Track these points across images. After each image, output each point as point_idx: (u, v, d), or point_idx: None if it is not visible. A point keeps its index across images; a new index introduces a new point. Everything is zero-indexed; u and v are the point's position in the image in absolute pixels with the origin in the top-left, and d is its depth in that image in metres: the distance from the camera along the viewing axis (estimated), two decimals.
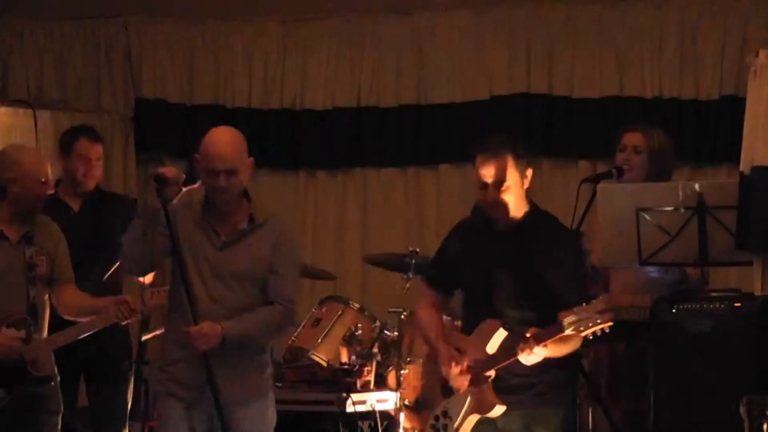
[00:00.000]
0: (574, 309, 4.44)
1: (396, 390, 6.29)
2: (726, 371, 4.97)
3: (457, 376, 4.72)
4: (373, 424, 6.33)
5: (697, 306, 5.09)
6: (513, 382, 4.65)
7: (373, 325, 6.55)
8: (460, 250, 4.89)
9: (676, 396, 5.06)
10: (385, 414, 6.34)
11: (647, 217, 5.22)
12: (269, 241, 4.71)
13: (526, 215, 4.73)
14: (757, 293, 5.19)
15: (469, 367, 4.70)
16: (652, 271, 5.45)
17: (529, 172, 4.71)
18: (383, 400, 6.35)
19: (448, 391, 4.81)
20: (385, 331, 6.54)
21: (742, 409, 4.64)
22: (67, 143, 6.14)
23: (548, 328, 4.50)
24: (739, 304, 5.05)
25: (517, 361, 4.53)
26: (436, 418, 4.81)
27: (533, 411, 4.67)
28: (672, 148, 5.69)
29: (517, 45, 7.54)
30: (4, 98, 7.76)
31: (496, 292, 4.71)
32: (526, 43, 7.53)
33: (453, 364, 4.72)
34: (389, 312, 6.53)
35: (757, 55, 5.30)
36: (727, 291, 5.27)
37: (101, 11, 7.99)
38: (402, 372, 6.31)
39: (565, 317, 4.45)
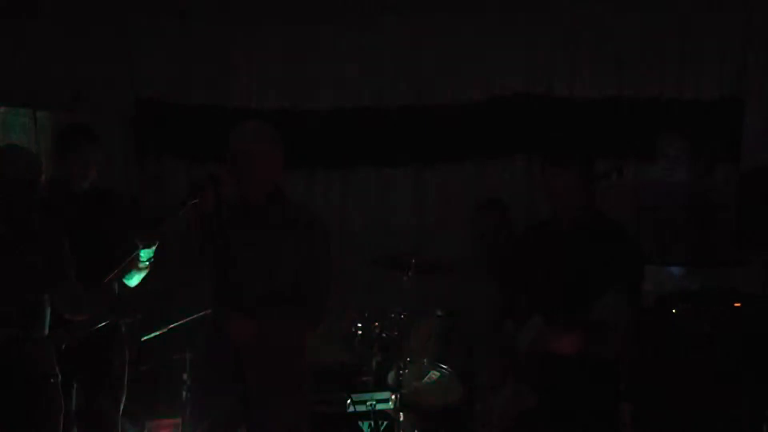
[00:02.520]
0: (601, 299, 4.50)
1: (396, 390, 6.30)
2: (726, 371, 4.98)
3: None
4: (373, 424, 6.33)
5: (697, 306, 5.10)
6: (553, 380, 4.72)
7: (373, 325, 6.55)
8: (526, 250, 5.04)
9: (676, 396, 5.07)
10: (385, 414, 6.34)
11: (647, 217, 5.22)
12: (302, 237, 4.79)
13: (590, 219, 4.80)
14: (757, 293, 5.20)
15: (513, 362, 4.86)
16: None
17: (593, 179, 4.81)
18: (383, 400, 6.36)
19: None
20: (385, 331, 6.55)
21: (742, 410, 4.66)
22: (65, 144, 6.12)
23: (576, 316, 4.55)
24: (739, 304, 5.06)
25: (553, 355, 4.59)
26: (485, 413, 5.10)
27: (573, 409, 4.71)
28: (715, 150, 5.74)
29: (517, 45, 7.54)
30: (4, 98, 7.75)
31: (551, 291, 4.79)
32: (526, 43, 7.53)
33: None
34: (389, 312, 6.53)
35: (757, 55, 5.31)
36: (727, 291, 5.27)
37: (101, 11, 7.97)
38: (402, 372, 6.31)
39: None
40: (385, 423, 6.34)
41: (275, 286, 4.78)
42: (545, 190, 4.83)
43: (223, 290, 4.69)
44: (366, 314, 6.58)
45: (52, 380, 5.21)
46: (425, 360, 6.43)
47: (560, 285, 4.80)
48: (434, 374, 6.45)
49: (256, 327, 4.65)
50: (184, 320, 6.80)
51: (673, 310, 5.12)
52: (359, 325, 6.50)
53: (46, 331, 5.24)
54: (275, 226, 4.79)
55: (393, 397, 6.30)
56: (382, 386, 6.44)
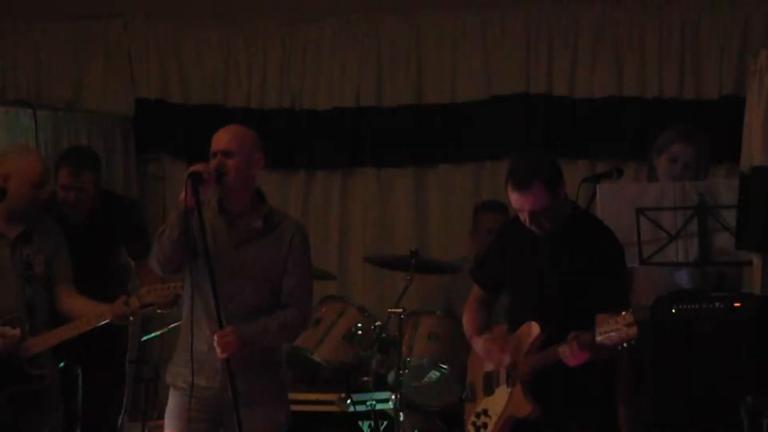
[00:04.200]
0: (608, 318, 4.47)
1: (396, 390, 6.29)
2: (726, 371, 4.97)
3: (495, 356, 4.85)
4: (372, 424, 6.34)
5: (697, 306, 5.09)
6: (550, 381, 4.70)
7: (373, 325, 6.55)
8: (504, 250, 4.98)
9: (676, 396, 5.06)
10: (385, 414, 6.34)
11: (647, 217, 5.22)
12: (284, 242, 4.75)
13: (568, 219, 4.77)
14: (757, 293, 5.19)
15: (507, 368, 4.80)
16: (682, 280, 5.45)
17: (563, 184, 4.75)
18: (383, 400, 6.36)
19: (489, 389, 4.91)
20: (385, 331, 6.54)
21: (742, 409, 4.65)
22: (56, 168, 6.04)
23: (587, 334, 4.53)
24: (739, 304, 5.05)
25: (559, 361, 4.58)
26: (477, 416, 4.94)
27: (569, 410, 4.71)
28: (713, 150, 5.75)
29: (517, 45, 7.53)
30: (4, 98, 7.75)
31: (537, 294, 4.78)
32: (526, 43, 7.53)
33: (491, 347, 4.85)
34: (389, 312, 6.53)
35: (757, 55, 5.31)
36: (727, 291, 5.27)
37: (101, 11, 7.98)
38: (402, 372, 6.31)
39: (599, 324, 4.49)
40: (385, 423, 6.34)
41: (257, 294, 4.73)
42: (513, 207, 4.81)
43: (203, 296, 4.64)
44: (366, 314, 6.58)
45: (50, 380, 5.21)
46: (425, 360, 6.43)
47: (544, 291, 4.78)
48: (434, 374, 6.45)
49: (241, 339, 4.59)
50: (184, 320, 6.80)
51: (673, 310, 5.11)
52: (359, 325, 6.49)
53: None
54: (258, 232, 4.75)
55: (393, 397, 6.30)
56: (382, 386, 6.44)
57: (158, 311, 5.46)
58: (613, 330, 4.46)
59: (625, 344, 4.48)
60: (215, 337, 4.56)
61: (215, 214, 4.76)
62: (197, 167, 4.64)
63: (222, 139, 4.77)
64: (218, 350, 4.56)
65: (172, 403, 4.79)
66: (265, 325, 4.68)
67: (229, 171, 4.68)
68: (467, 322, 5.06)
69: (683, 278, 5.42)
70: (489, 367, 4.95)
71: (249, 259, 4.72)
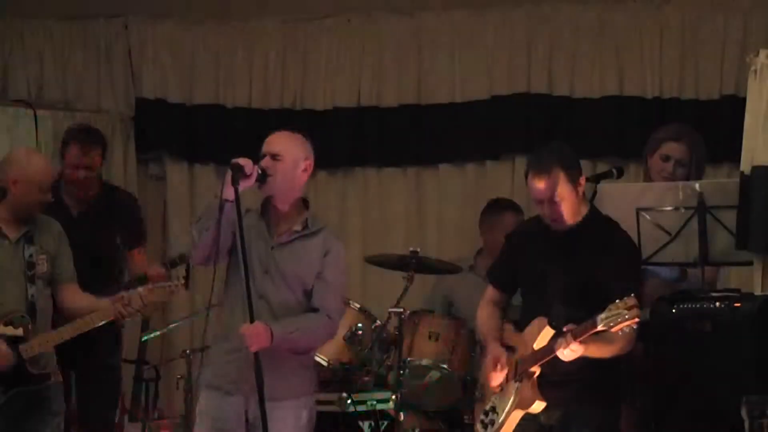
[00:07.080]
0: (609, 305, 4.49)
1: (396, 390, 6.29)
2: (726, 371, 4.97)
3: (494, 376, 4.92)
4: (373, 424, 6.33)
5: (697, 306, 5.09)
6: (555, 379, 4.73)
7: (373, 325, 6.54)
8: (519, 250, 5.03)
9: (677, 396, 5.06)
10: (385, 414, 6.34)
11: (647, 217, 5.22)
12: (320, 250, 4.80)
13: (584, 219, 4.79)
14: (757, 293, 5.19)
15: (516, 363, 4.84)
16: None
17: (583, 180, 4.80)
18: (383, 400, 6.35)
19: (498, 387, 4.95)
20: (385, 331, 6.54)
21: (742, 409, 4.65)
22: (62, 146, 6.11)
23: (584, 324, 4.55)
24: (739, 304, 5.05)
25: (556, 356, 4.59)
26: (486, 413, 4.99)
27: (574, 408, 4.72)
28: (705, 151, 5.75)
29: (517, 45, 7.54)
30: (4, 98, 7.75)
31: (549, 292, 4.80)
32: (526, 43, 7.53)
33: (493, 365, 4.92)
34: (389, 312, 6.53)
35: (757, 54, 5.30)
36: (727, 291, 5.27)
37: (101, 11, 7.98)
38: (402, 372, 6.31)
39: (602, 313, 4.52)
40: (385, 423, 6.34)
41: (289, 293, 4.77)
42: (532, 197, 4.84)
43: (238, 292, 4.65)
44: (366, 314, 6.57)
45: (53, 380, 5.21)
46: (425, 360, 6.43)
47: (557, 289, 4.80)
48: (434, 374, 6.45)
49: (270, 335, 4.62)
50: (184, 320, 6.81)
51: (673, 310, 5.11)
52: (359, 325, 6.49)
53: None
54: (294, 236, 4.80)
55: (393, 397, 6.29)
56: (382, 386, 6.44)
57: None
58: (613, 315, 4.47)
59: (628, 328, 4.47)
60: (243, 331, 4.58)
61: (259, 213, 4.81)
62: (241, 160, 4.65)
63: (273, 142, 4.82)
64: (248, 344, 4.58)
65: (206, 401, 4.81)
66: (295, 326, 4.72)
67: (274, 174, 4.71)
68: (481, 324, 5.14)
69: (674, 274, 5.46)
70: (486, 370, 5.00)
71: (282, 261, 4.77)
